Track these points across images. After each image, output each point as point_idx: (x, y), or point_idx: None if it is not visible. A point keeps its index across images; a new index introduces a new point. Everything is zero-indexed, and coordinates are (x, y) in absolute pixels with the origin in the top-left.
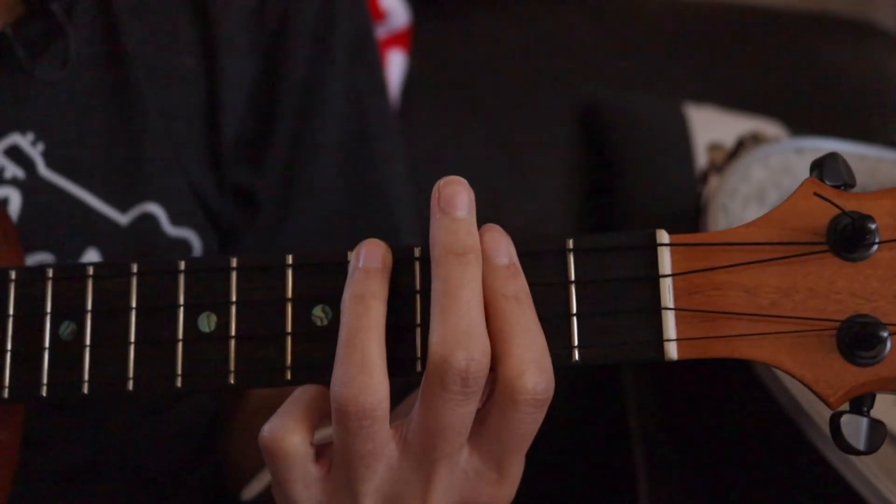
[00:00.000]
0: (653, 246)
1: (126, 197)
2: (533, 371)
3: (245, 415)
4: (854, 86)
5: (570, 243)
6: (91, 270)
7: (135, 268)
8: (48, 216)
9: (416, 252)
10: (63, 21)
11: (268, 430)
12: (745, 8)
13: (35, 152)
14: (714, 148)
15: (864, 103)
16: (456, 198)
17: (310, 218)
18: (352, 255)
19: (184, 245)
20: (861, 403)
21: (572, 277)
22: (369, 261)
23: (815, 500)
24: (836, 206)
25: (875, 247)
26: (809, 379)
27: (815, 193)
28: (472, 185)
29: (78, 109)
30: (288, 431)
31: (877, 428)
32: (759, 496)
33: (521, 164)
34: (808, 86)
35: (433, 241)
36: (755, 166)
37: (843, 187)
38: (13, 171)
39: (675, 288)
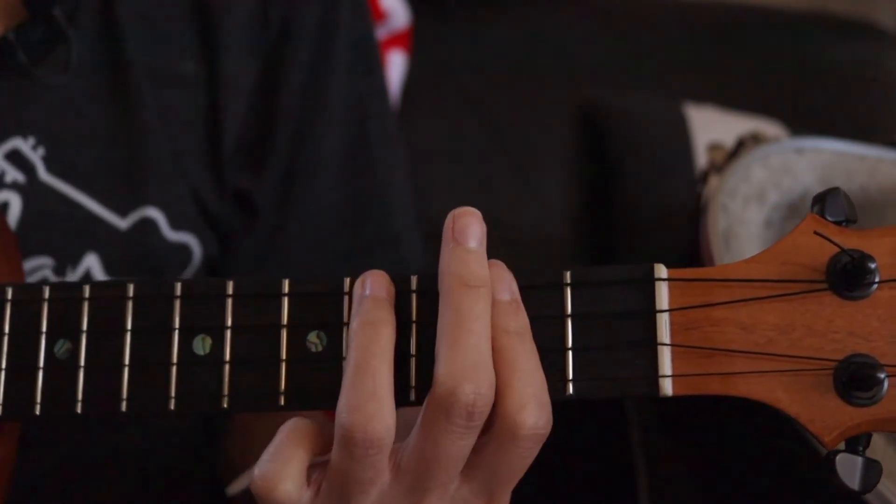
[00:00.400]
0: (650, 280)
1: (126, 201)
2: (533, 406)
3: (245, 416)
4: (854, 86)
5: (568, 277)
6: (87, 291)
7: (131, 289)
8: (48, 221)
9: (414, 283)
10: (65, 26)
11: (259, 477)
12: (745, 8)
13: (35, 157)
14: (714, 148)
15: (864, 103)
16: (469, 229)
17: (310, 224)
18: (355, 285)
19: (183, 249)
20: (857, 443)
21: (569, 311)
22: (376, 290)
23: (814, 499)
24: (837, 245)
25: (875, 286)
26: (805, 418)
27: (816, 232)
28: (472, 184)
29: (79, 114)
30: (280, 479)
31: (872, 468)
32: (759, 497)
33: (520, 164)
34: (808, 86)
35: (444, 270)
36: (755, 166)
37: (844, 223)
38: (14, 175)
39: (671, 323)
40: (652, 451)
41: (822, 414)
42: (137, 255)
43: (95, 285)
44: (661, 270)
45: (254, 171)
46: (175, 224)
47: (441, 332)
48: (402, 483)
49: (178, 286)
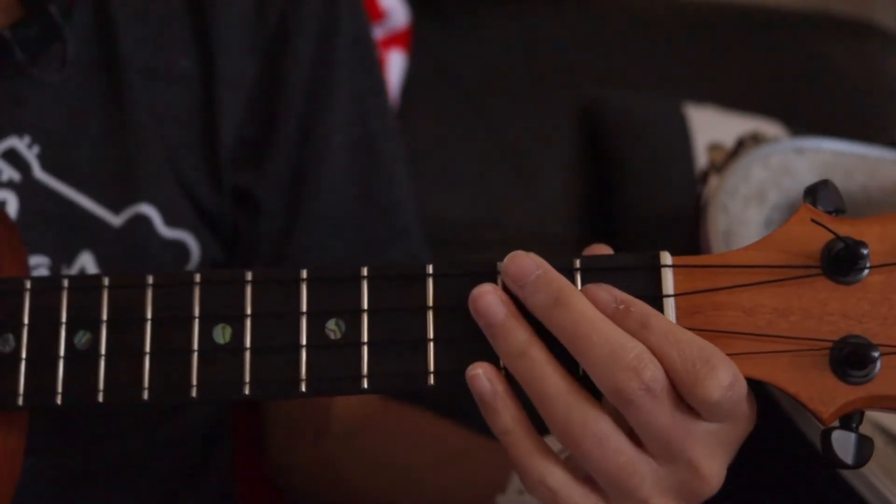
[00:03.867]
0: (657, 267)
1: (119, 198)
2: (724, 376)
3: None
4: (854, 86)
5: (577, 263)
6: (107, 281)
7: (150, 279)
8: (43, 219)
9: (430, 269)
10: (61, 23)
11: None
12: (745, 8)
13: (31, 155)
14: (714, 148)
15: (864, 103)
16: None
17: (321, 221)
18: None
19: (179, 247)
20: (850, 420)
21: None
22: (493, 318)
23: (814, 499)
24: (832, 231)
25: (866, 271)
26: (804, 396)
27: (813, 220)
28: (472, 185)
29: (73, 111)
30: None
31: (865, 443)
32: (758, 495)
33: (521, 164)
34: (808, 86)
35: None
36: (755, 166)
37: (835, 213)
38: (10, 174)
39: (678, 307)
40: None
41: (819, 392)
42: (132, 252)
43: (115, 276)
44: (667, 258)
45: (254, 167)
46: (170, 221)
47: (573, 351)
48: (664, 461)
49: (198, 275)
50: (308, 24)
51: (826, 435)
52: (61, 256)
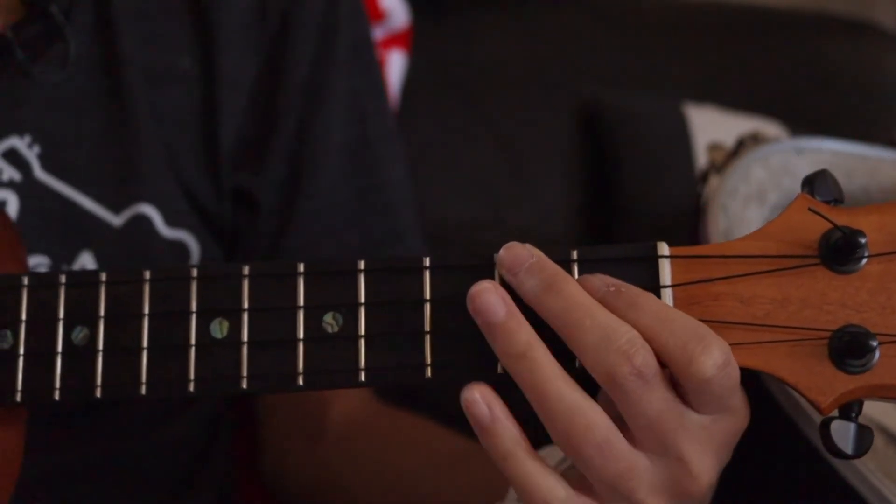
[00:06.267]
0: (654, 258)
1: (119, 198)
2: (718, 355)
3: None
4: (854, 86)
5: (575, 254)
6: (104, 277)
7: (147, 274)
8: (43, 219)
9: (426, 262)
10: (62, 23)
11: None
12: (745, 8)
13: (31, 155)
14: (714, 148)
15: (864, 103)
16: (518, 258)
17: (316, 221)
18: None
19: (180, 246)
20: (850, 410)
21: None
22: (490, 316)
23: (815, 499)
24: (830, 221)
25: (864, 260)
26: (803, 386)
27: (810, 209)
28: (472, 185)
29: (74, 112)
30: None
31: (864, 433)
32: (758, 495)
33: (521, 164)
34: (808, 86)
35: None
36: (755, 166)
37: (833, 203)
38: (10, 173)
39: (675, 298)
40: None
41: (818, 381)
42: (132, 252)
43: (112, 272)
44: (664, 248)
45: (254, 168)
46: (170, 221)
47: (566, 338)
48: (656, 456)
49: (195, 270)
50: (308, 25)
51: (825, 425)
52: (61, 256)
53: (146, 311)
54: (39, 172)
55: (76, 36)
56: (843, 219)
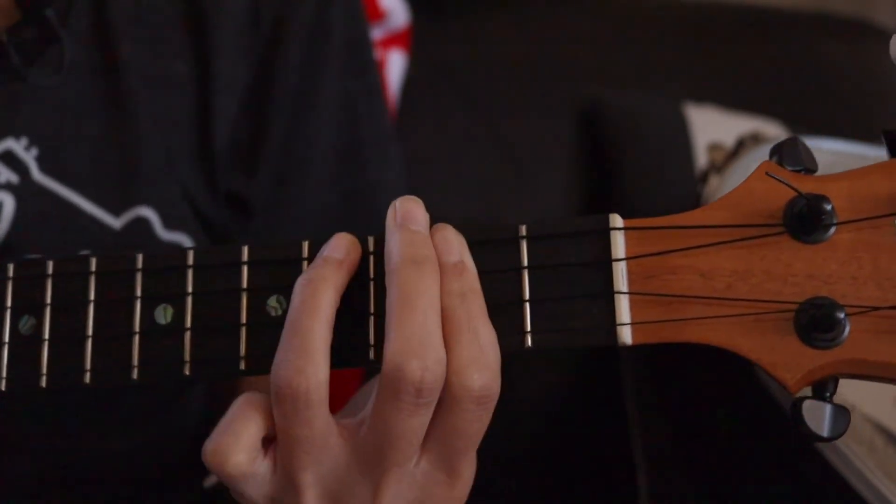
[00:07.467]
0: (606, 230)
1: (119, 201)
2: (472, 368)
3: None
4: (854, 86)
5: (524, 230)
6: (51, 266)
7: (93, 263)
8: (42, 221)
9: (371, 242)
10: (57, 27)
11: (210, 451)
12: (745, 8)
13: (29, 157)
14: (714, 148)
15: (863, 103)
16: (412, 212)
17: (302, 224)
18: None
19: (177, 249)
20: (823, 389)
21: (525, 263)
22: (332, 251)
23: (814, 499)
24: (790, 186)
25: (833, 228)
26: (766, 362)
27: (768, 173)
28: (472, 185)
29: (72, 115)
30: (231, 452)
31: (840, 414)
32: (758, 494)
33: (521, 164)
34: (808, 86)
35: (389, 253)
36: (755, 166)
37: (803, 172)
38: (7, 175)
39: (629, 272)
40: (652, 451)
41: (783, 357)
42: None
43: (59, 261)
44: (617, 220)
45: (246, 173)
46: (169, 224)
47: (388, 311)
48: (360, 460)
49: (140, 258)
50: (300, 28)
51: (797, 405)
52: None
53: (92, 298)
54: (38, 175)
55: (73, 40)
56: (809, 185)
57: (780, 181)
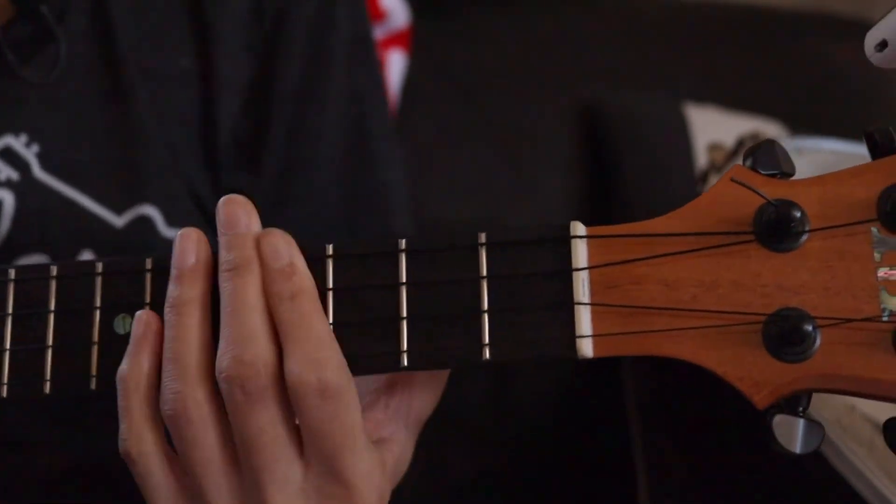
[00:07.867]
0: (566, 238)
1: (122, 199)
2: (305, 363)
3: None
4: (854, 86)
5: (483, 237)
6: (13, 274)
7: (54, 270)
8: (42, 218)
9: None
10: (53, 24)
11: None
12: (745, 8)
13: (30, 154)
14: (714, 148)
15: (864, 103)
16: (233, 216)
17: (306, 222)
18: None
19: None
20: (796, 403)
21: (484, 273)
22: (181, 261)
23: (815, 499)
24: (756, 192)
25: (805, 236)
26: (733, 376)
27: (733, 179)
28: (471, 185)
29: (72, 112)
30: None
31: (813, 429)
32: (758, 495)
33: (520, 164)
34: (808, 86)
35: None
36: None
37: (779, 176)
38: (7, 172)
39: (591, 282)
40: (652, 451)
41: (750, 371)
42: (133, 252)
43: (21, 268)
44: (578, 228)
45: (250, 169)
46: (171, 221)
47: (220, 321)
48: (242, 475)
49: (100, 265)
50: (302, 23)
51: (767, 419)
52: (60, 255)
53: (52, 307)
54: (38, 172)
55: (71, 37)
56: (781, 191)
57: (747, 186)
